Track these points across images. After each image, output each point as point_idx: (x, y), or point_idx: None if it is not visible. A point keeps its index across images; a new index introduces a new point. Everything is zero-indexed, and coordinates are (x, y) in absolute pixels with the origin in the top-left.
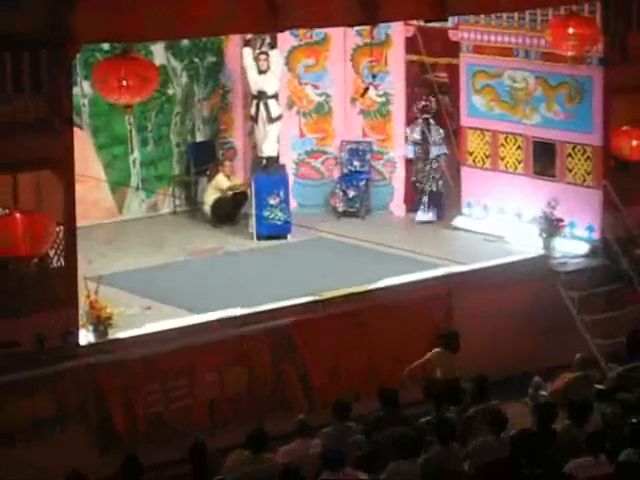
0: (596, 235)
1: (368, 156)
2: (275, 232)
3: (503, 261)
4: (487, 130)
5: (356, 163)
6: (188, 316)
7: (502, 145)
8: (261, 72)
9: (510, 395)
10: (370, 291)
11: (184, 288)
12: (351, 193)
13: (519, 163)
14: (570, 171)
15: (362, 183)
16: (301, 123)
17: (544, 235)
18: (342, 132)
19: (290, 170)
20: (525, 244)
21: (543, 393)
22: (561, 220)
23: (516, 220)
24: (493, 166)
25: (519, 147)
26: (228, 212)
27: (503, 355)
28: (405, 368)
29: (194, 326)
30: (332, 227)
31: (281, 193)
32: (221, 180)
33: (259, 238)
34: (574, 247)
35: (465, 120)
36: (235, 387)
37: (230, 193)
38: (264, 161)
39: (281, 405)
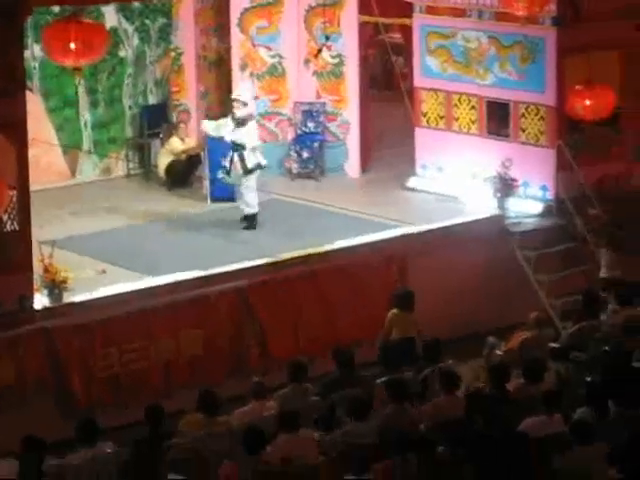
0: (550, 195)
1: (322, 117)
2: (229, 194)
3: (458, 221)
4: (441, 91)
5: (310, 124)
6: (143, 279)
7: (456, 106)
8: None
9: (465, 355)
10: (326, 252)
11: (139, 251)
12: (305, 155)
13: (473, 123)
14: (524, 131)
15: (316, 145)
16: (255, 85)
17: (498, 195)
18: (296, 94)
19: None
20: (479, 204)
21: (498, 352)
22: (515, 180)
23: (470, 180)
24: (447, 127)
25: (473, 107)
26: (182, 175)
27: (458, 315)
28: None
29: (149, 289)
30: (286, 189)
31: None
32: (175, 143)
33: (213, 200)
34: (528, 207)
35: (419, 81)
36: (191, 349)
37: (184, 156)
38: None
39: (237, 367)
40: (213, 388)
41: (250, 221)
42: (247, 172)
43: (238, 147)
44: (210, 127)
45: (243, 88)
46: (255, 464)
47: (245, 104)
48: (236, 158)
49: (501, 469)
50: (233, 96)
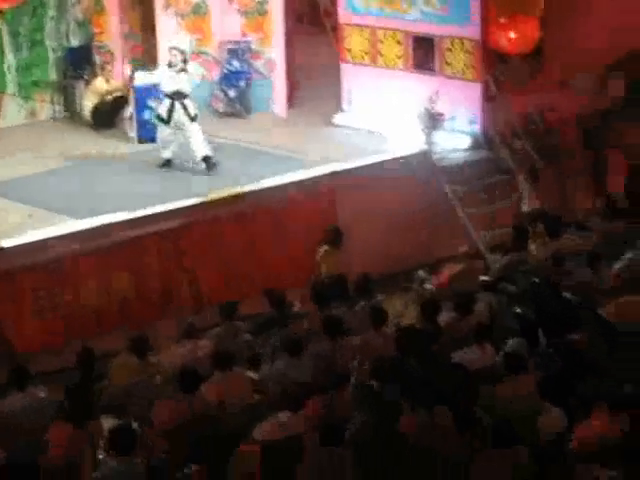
0: (477, 128)
1: (247, 56)
2: (155, 134)
3: (385, 157)
4: (365, 26)
5: (235, 63)
6: (71, 222)
7: (381, 41)
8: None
9: (396, 290)
10: (254, 192)
11: (66, 194)
12: (231, 94)
13: (398, 58)
14: (450, 65)
15: (242, 83)
16: (179, 24)
17: (426, 130)
18: (220, 32)
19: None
20: (407, 140)
21: (428, 287)
22: (442, 114)
23: (397, 116)
24: (372, 62)
25: (398, 42)
26: (108, 116)
27: (388, 251)
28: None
29: (78, 232)
30: (214, 128)
31: (161, 95)
32: (100, 84)
33: (140, 141)
34: (456, 141)
35: (343, 17)
36: (122, 292)
37: (109, 97)
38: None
39: (168, 308)
40: (144, 330)
41: (209, 161)
42: (193, 120)
43: (179, 95)
44: (145, 78)
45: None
46: (190, 403)
47: (182, 52)
48: (178, 107)
49: (432, 401)
50: (170, 45)
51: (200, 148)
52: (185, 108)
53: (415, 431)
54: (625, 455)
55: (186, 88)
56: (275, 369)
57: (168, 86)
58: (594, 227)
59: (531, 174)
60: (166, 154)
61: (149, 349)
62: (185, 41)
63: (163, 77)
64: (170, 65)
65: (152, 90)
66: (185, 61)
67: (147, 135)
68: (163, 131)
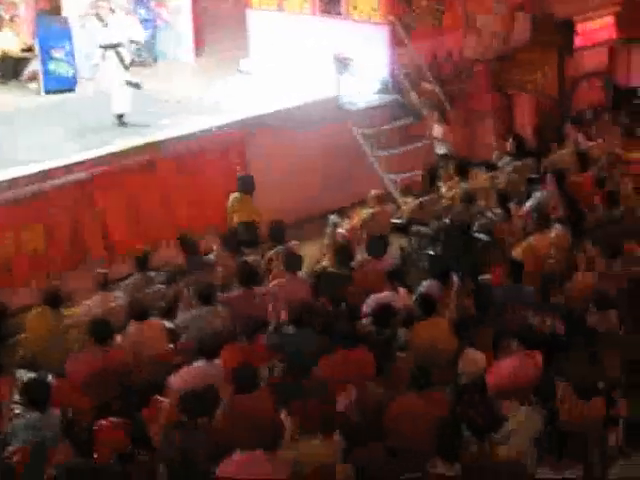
0: (385, 71)
1: (152, 4)
2: (62, 86)
3: (295, 103)
4: None
5: (141, 11)
6: None
7: None
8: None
9: (309, 236)
10: (163, 141)
11: None
12: None
13: (305, 3)
14: (356, 9)
15: (148, 31)
16: None
17: (334, 75)
18: None
19: (77, 23)
20: (316, 85)
21: (341, 231)
22: (350, 59)
23: (305, 61)
24: (278, 8)
25: None
26: (14, 67)
27: (300, 196)
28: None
29: None
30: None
31: (66, 46)
32: (6, 35)
33: (47, 92)
34: (364, 85)
35: None
36: (33, 245)
37: (16, 48)
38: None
39: (81, 260)
40: (57, 282)
41: (121, 119)
42: (127, 68)
43: (113, 46)
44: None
45: None
46: (104, 355)
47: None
48: (112, 55)
49: (351, 343)
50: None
51: (119, 103)
52: (122, 60)
53: (333, 374)
54: (538, 392)
55: (119, 38)
56: (189, 318)
57: (102, 39)
58: (503, 167)
59: (441, 116)
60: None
61: (63, 301)
62: None
63: (95, 29)
64: (100, 19)
65: (57, 41)
66: (112, 11)
67: (53, 86)
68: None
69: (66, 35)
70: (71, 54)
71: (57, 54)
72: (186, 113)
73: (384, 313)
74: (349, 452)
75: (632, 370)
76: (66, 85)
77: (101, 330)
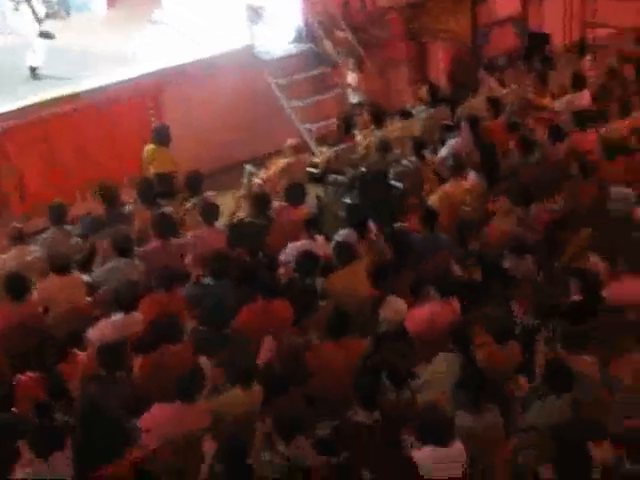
0: (299, 20)
1: None
2: None
3: (209, 53)
4: None
5: None
6: None
7: None
8: None
9: (225, 186)
10: (79, 93)
11: None
12: None
13: None
14: None
15: None
16: None
17: (248, 24)
18: None
19: None
20: (229, 34)
21: (257, 181)
22: (263, 7)
23: (218, 10)
24: None
25: None
26: None
27: (216, 147)
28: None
29: None
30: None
31: None
32: None
33: None
34: (278, 34)
35: None
36: None
37: None
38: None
39: None
40: None
41: (35, 71)
42: (40, 21)
43: None
44: None
45: None
46: (20, 309)
47: None
48: (25, 7)
49: (269, 293)
50: None
51: (33, 56)
52: (32, 10)
53: (253, 324)
54: (456, 338)
55: None
56: (106, 270)
57: None
58: (418, 115)
59: (355, 65)
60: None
61: None
62: None
63: None
64: None
65: None
66: None
67: None
68: None
69: None
70: None
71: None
72: (101, 65)
73: (307, 261)
74: (268, 402)
75: (547, 315)
76: None
77: (16, 285)
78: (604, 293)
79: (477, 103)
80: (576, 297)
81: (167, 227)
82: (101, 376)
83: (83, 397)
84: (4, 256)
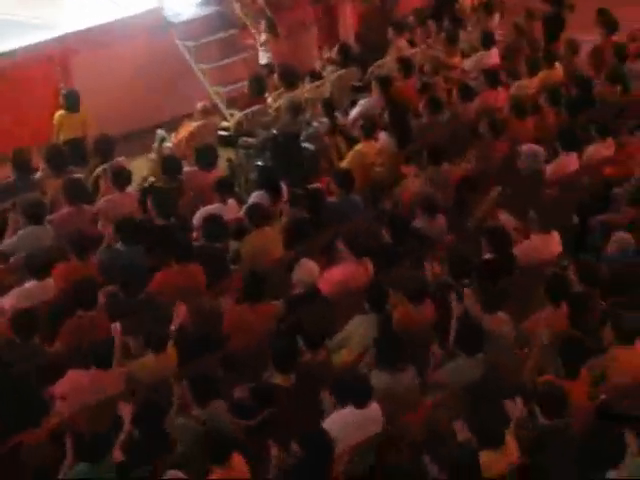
0: None
1: None
2: None
3: (117, 17)
4: None
5: None
6: None
7: None
8: None
9: (136, 151)
10: None
11: None
12: None
13: None
14: None
15: None
16: None
17: None
18: None
19: None
20: None
21: (168, 145)
22: None
23: None
24: None
25: None
26: None
27: (126, 112)
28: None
29: None
30: None
31: None
32: None
33: None
34: None
35: None
36: None
37: None
38: None
39: None
40: None
41: None
42: None
43: None
44: None
45: None
46: None
47: None
48: None
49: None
50: None
51: None
52: None
53: (166, 289)
54: (370, 298)
55: None
56: (18, 238)
57: None
58: (328, 76)
59: (266, 26)
60: None
61: None
62: None
63: None
64: None
65: None
66: None
67: None
68: None
69: None
70: None
71: None
72: (6, 29)
73: (213, 225)
74: (183, 365)
75: (461, 274)
76: None
77: None
78: (515, 251)
79: (387, 63)
80: (488, 255)
81: (78, 192)
82: (15, 343)
83: None
84: None
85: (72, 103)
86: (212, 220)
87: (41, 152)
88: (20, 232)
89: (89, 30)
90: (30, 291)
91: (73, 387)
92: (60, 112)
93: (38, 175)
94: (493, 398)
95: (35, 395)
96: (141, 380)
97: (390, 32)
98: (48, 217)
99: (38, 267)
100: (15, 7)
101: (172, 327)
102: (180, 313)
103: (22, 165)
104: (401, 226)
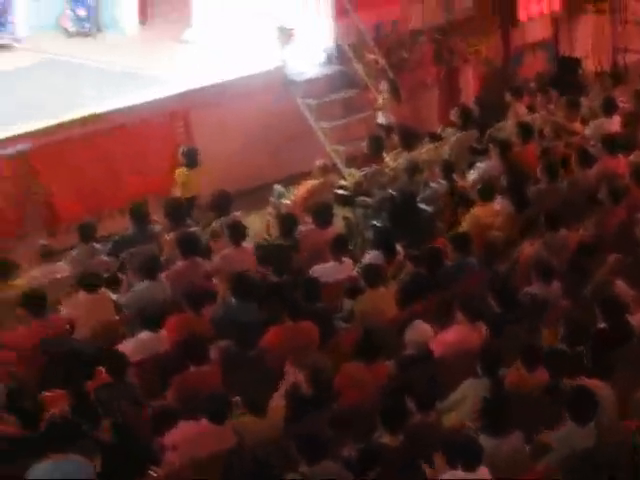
0: (330, 42)
1: None
2: None
3: (240, 74)
4: None
5: None
6: None
7: None
8: None
9: (254, 206)
10: (106, 112)
11: None
12: (81, 12)
13: None
14: None
15: (91, 1)
16: None
17: (279, 45)
18: None
19: None
20: (260, 55)
21: (285, 201)
22: (294, 29)
23: (249, 31)
24: None
25: None
26: None
27: (245, 168)
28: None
29: None
30: (63, 48)
31: None
32: None
33: None
34: (308, 55)
35: None
36: None
37: None
38: None
39: (24, 232)
40: (2, 253)
41: None
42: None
43: None
44: None
45: None
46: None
47: None
48: None
49: (295, 315)
50: None
51: None
52: None
53: (280, 345)
54: (483, 361)
55: None
56: (134, 289)
57: None
58: (448, 138)
59: (387, 87)
60: None
61: (10, 272)
62: None
63: None
64: None
65: None
66: None
67: None
68: None
69: None
70: None
71: None
72: (131, 84)
73: (310, 286)
74: (292, 423)
75: (575, 342)
76: None
77: (35, 301)
78: (632, 320)
79: (507, 127)
80: (603, 324)
81: (192, 246)
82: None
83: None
84: (32, 273)
85: (191, 160)
86: (311, 282)
87: (160, 205)
88: (135, 286)
89: (212, 86)
90: (143, 342)
91: (185, 438)
92: (181, 170)
93: (156, 228)
94: (602, 468)
95: (146, 446)
96: (250, 437)
97: (509, 96)
98: (164, 270)
99: (152, 319)
100: (140, 60)
101: (282, 384)
102: (291, 370)
103: (139, 218)
104: (515, 290)
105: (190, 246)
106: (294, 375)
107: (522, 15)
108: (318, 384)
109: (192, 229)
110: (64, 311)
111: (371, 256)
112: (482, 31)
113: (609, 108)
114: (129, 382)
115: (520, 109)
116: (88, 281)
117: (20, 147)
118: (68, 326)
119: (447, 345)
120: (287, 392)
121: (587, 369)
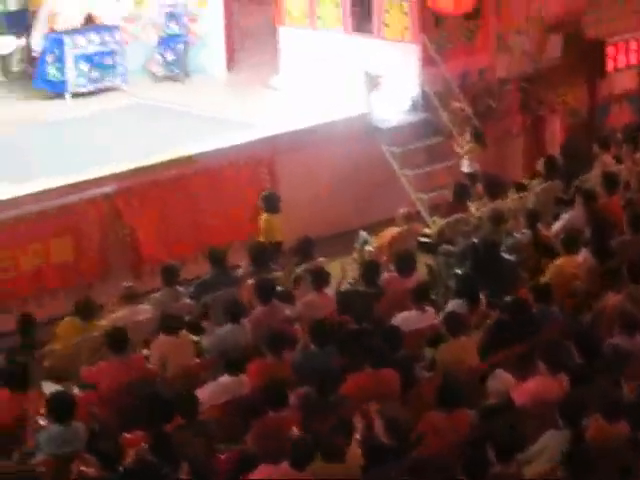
0: (415, 90)
1: (185, 19)
2: (51, 89)
3: (325, 120)
4: None
5: (173, 26)
6: (8, 187)
7: (319, 3)
8: None
9: (337, 252)
10: (192, 156)
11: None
12: (169, 57)
13: (337, 21)
14: (388, 27)
15: (180, 46)
16: None
17: (365, 92)
18: None
19: None
20: (345, 102)
21: (369, 248)
22: (380, 76)
23: (336, 78)
24: (311, 25)
25: (336, 4)
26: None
27: (328, 214)
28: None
29: (15, 198)
30: (151, 92)
31: (56, 51)
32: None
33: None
34: (394, 103)
35: None
36: (61, 256)
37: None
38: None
39: (109, 273)
40: (86, 294)
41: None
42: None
43: None
44: None
45: None
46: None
47: None
48: None
49: (376, 362)
50: None
51: None
52: None
53: (361, 392)
54: (564, 413)
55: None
56: (216, 333)
57: None
58: (533, 187)
59: (472, 136)
60: None
61: (95, 313)
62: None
63: None
64: None
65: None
66: None
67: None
68: None
69: (57, 41)
70: (61, 60)
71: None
72: (217, 128)
73: (392, 334)
74: (370, 471)
75: None
76: (55, 89)
77: (117, 339)
78: None
79: (592, 178)
80: None
81: (269, 292)
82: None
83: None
84: (115, 315)
85: (271, 205)
86: (393, 330)
87: (243, 249)
88: (217, 330)
89: (297, 132)
90: (225, 386)
91: None
92: (264, 216)
93: (240, 272)
94: None
95: None
96: None
97: (596, 147)
98: (247, 314)
99: (234, 363)
100: (228, 105)
101: (359, 431)
102: (369, 417)
103: (218, 262)
104: (598, 342)
105: (267, 292)
106: (373, 423)
107: (609, 66)
108: (396, 433)
109: (275, 274)
110: (147, 352)
111: (454, 305)
112: (569, 81)
113: None
114: (203, 422)
115: (607, 160)
116: (170, 323)
117: (106, 189)
118: (150, 367)
119: (528, 395)
120: (364, 440)
121: None
